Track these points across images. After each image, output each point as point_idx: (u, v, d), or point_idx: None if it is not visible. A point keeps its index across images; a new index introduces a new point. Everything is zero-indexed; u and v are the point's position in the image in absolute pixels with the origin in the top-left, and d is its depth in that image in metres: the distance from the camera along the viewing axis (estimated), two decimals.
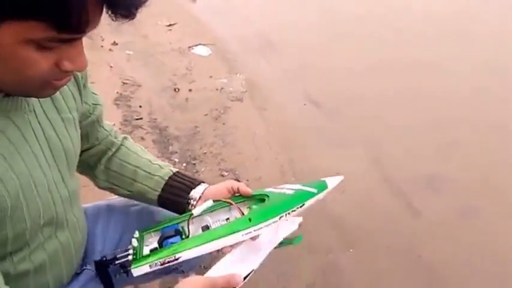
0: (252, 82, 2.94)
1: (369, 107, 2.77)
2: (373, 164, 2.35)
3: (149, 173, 0.99)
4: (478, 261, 1.85)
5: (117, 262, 0.85)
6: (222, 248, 0.85)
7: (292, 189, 0.95)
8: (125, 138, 1.06)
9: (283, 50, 3.34)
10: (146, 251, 0.84)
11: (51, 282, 0.84)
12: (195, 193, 0.97)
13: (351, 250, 1.88)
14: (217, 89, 2.86)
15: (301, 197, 0.94)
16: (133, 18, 0.59)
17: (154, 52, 3.23)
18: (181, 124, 2.52)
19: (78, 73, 0.84)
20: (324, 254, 1.85)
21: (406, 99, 2.84)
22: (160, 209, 1.08)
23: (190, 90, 2.83)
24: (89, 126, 0.95)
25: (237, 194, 0.97)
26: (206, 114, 2.62)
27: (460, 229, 2.00)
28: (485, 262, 1.85)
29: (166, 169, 1.01)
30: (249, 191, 0.96)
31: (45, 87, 0.64)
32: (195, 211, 0.88)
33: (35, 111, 0.74)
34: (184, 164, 2.23)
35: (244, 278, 0.83)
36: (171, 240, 0.85)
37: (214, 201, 0.90)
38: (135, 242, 0.85)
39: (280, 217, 0.89)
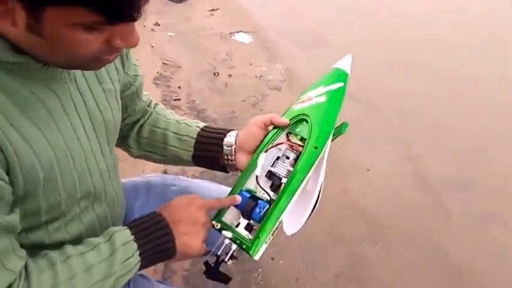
0: (291, 72, 2.91)
1: (406, 104, 2.72)
2: (405, 161, 2.32)
3: (177, 133, 0.97)
4: (504, 266, 1.83)
5: (226, 260, 0.82)
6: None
7: (321, 94, 0.91)
8: (156, 104, 1.05)
9: (325, 43, 3.30)
10: (243, 231, 0.82)
11: None
12: (228, 144, 0.93)
13: (380, 244, 1.87)
14: (256, 77, 2.85)
15: (337, 97, 0.91)
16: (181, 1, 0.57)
17: (196, 35, 3.24)
18: (219, 108, 2.53)
19: None
20: (353, 246, 1.85)
21: (444, 100, 2.79)
22: (200, 186, 1.10)
23: (229, 75, 2.83)
24: (129, 98, 0.94)
25: (270, 127, 0.92)
26: (244, 100, 2.61)
27: (489, 232, 1.97)
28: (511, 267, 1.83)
29: (194, 126, 0.98)
30: (284, 120, 0.90)
31: (94, 63, 0.63)
32: (257, 171, 0.85)
33: (75, 81, 0.72)
34: None
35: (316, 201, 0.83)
36: (260, 209, 0.83)
37: (265, 151, 0.87)
38: (228, 234, 0.82)
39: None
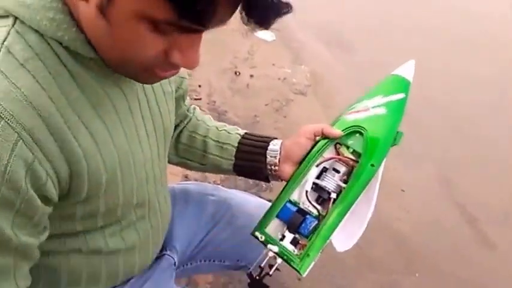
0: (317, 76, 2.76)
1: (447, 118, 2.56)
2: (444, 184, 2.18)
3: (218, 141, 0.94)
4: None
5: (271, 273, 0.79)
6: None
7: (380, 105, 0.84)
8: (195, 108, 1.01)
9: (353, 46, 3.14)
10: (289, 246, 0.79)
11: (138, 263, 0.82)
12: (272, 154, 0.89)
13: (417, 275, 1.74)
14: (279, 79, 2.70)
15: (398, 110, 0.85)
16: (267, 28, 0.53)
17: (216, 31, 3.05)
18: (240, 111, 2.38)
19: None
20: (386, 274, 1.72)
21: (491, 118, 2.62)
22: (238, 197, 1.07)
23: (251, 76, 2.68)
24: (176, 101, 0.87)
25: (318, 138, 0.86)
26: (267, 104, 2.46)
27: None
28: None
29: (234, 134, 0.94)
30: (338, 132, 0.85)
31: (146, 73, 0.59)
32: (308, 186, 0.82)
33: None
34: None
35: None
36: (308, 224, 0.80)
37: (316, 165, 0.83)
38: (275, 248, 0.78)
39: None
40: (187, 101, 0.98)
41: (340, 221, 0.78)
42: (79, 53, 0.57)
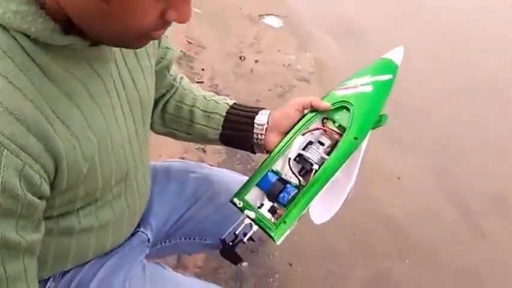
0: (322, 64, 2.75)
1: (446, 110, 2.54)
2: (440, 173, 2.17)
3: (206, 111, 0.92)
4: None
5: (244, 240, 0.78)
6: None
7: (368, 83, 0.87)
8: (182, 78, 0.99)
9: (360, 36, 3.11)
10: (267, 214, 0.79)
11: (110, 241, 0.81)
12: (260, 123, 0.88)
13: (407, 261, 1.74)
14: (284, 65, 2.70)
15: (383, 89, 0.88)
16: None
17: (224, 15, 3.07)
18: (243, 95, 2.38)
19: None
20: (378, 260, 1.72)
21: (487, 111, 2.60)
22: (221, 174, 1.06)
23: (256, 61, 2.67)
24: (159, 72, 0.87)
25: (306, 111, 0.87)
26: (270, 90, 2.46)
27: None
28: None
29: (223, 103, 0.93)
30: (326, 105, 0.86)
31: (142, 39, 0.59)
32: (292, 154, 0.82)
33: (115, 59, 0.68)
34: None
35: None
36: (287, 193, 0.80)
37: (302, 134, 0.84)
38: (251, 214, 0.78)
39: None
40: (174, 70, 0.96)
41: (319, 190, 0.78)
42: (48, 43, 0.55)
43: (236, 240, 0.78)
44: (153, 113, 0.93)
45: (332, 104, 0.85)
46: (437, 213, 1.97)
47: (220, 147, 2.06)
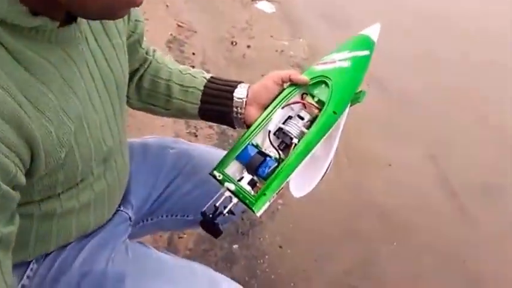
0: (315, 50, 2.69)
1: (437, 99, 2.52)
2: (429, 160, 2.15)
3: (182, 85, 0.91)
4: None
5: (224, 213, 0.78)
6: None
7: (345, 59, 0.89)
8: (155, 50, 0.97)
9: (353, 22, 3.05)
10: (246, 186, 0.79)
11: (92, 222, 0.80)
12: (239, 96, 0.88)
13: (395, 244, 1.75)
14: (276, 51, 2.64)
15: (360, 65, 0.89)
16: None
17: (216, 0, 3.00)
18: None
19: None
20: (366, 242, 1.74)
21: (476, 100, 2.57)
22: (200, 150, 1.05)
23: (248, 46, 2.62)
24: (130, 47, 0.85)
25: (286, 85, 0.88)
26: (262, 75, 2.39)
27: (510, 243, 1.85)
28: None
29: (200, 77, 0.92)
30: (305, 79, 0.86)
31: (126, 7, 0.59)
32: (271, 127, 0.83)
33: (87, 40, 0.67)
34: None
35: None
36: (267, 166, 0.80)
37: (282, 108, 0.85)
38: (231, 186, 0.78)
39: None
40: (145, 44, 0.94)
41: (299, 163, 0.79)
42: (16, 25, 0.53)
43: (216, 213, 0.78)
44: (128, 89, 0.91)
45: (311, 79, 0.86)
46: (427, 199, 1.97)
47: (212, 132, 2.04)
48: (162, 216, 1.01)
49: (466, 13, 3.41)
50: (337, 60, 0.88)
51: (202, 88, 0.90)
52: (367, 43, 0.92)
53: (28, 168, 0.57)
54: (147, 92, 0.94)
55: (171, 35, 2.53)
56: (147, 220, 1.01)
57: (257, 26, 2.81)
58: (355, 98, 0.88)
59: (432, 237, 1.81)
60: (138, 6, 0.58)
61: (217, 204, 0.79)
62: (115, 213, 0.89)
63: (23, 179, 0.56)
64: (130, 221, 0.91)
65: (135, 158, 0.96)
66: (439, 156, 2.18)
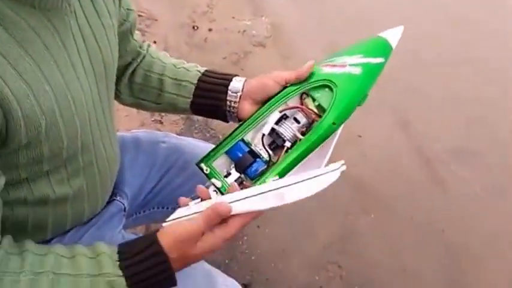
0: (278, 27, 2.69)
1: (403, 68, 2.52)
2: (400, 128, 2.18)
3: (176, 79, 0.90)
4: (500, 244, 1.76)
5: None
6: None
7: (357, 64, 0.81)
8: (149, 45, 0.97)
9: None
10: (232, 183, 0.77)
11: (87, 209, 0.80)
12: (234, 90, 0.85)
13: (372, 216, 1.77)
14: (239, 32, 2.64)
15: (372, 74, 0.81)
16: None
17: None
18: None
19: None
20: (343, 216, 1.76)
21: (444, 67, 2.58)
22: (190, 144, 1.05)
23: (210, 29, 2.61)
24: (121, 35, 0.84)
25: (288, 85, 0.82)
26: (225, 58, 2.42)
27: (487, 208, 1.88)
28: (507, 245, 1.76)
29: (194, 71, 0.90)
30: (305, 75, 0.80)
31: None
32: (266, 130, 0.79)
33: (75, 14, 0.65)
34: None
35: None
36: (256, 167, 0.78)
37: (279, 111, 0.80)
38: (218, 183, 0.77)
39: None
40: (138, 36, 0.93)
41: (289, 171, 0.76)
42: None
43: None
44: (120, 83, 0.92)
45: (315, 81, 0.80)
46: (400, 168, 1.99)
47: (177, 118, 2.05)
48: (153, 208, 1.03)
49: None
50: (348, 64, 0.81)
51: (195, 82, 0.89)
52: (383, 49, 0.85)
53: (5, 134, 0.56)
54: (139, 86, 0.93)
55: None
56: (139, 213, 1.03)
57: (218, 8, 2.79)
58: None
59: (409, 207, 1.82)
60: None
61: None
62: (110, 202, 0.89)
63: None
64: (125, 211, 0.93)
65: (128, 151, 0.98)
66: (409, 121, 2.20)
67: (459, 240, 1.74)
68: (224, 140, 0.81)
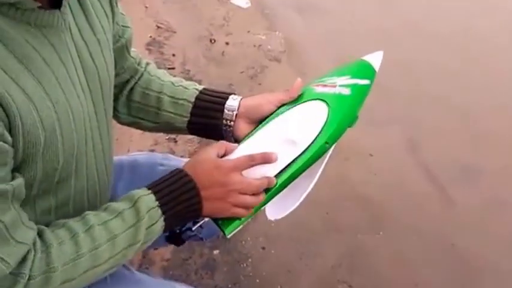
0: (291, 42, 2.77)
1: (413, 83, 2.57)
2: (408, 146, 2.21)
3: (173, 97, 0.89)
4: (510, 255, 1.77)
5: (193, 228, 0.80)
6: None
7: (347, 85, 0.84)
8: (148, 63, 0.96)
9: (328, 13, 3.12)
10: None
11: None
12: (230, 108, 0.86)
13: (381, 233, 1.77)
14: (254, 46, 2.71)
15: (360, 95, 0.85)
16: None
17: None
18: (215, 80, 2.40)
19: None
20: (352, 235, 1.75)
21: (454, 78, 2.63)
22: None
23: (227, 43, 2.68)
24: (117, 52, 0.84)
25: (281, 105, 0.86)
26: (242, 72, 2.49)
27: (495, 221, 1.90)
28: None
29: (191, 89, 0.90)
30: (296, 94, 0.85)
31: None
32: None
33: (70, 31, 0.65)
34: None
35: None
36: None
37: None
38: None
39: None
40: (136, 53, 0.92)
41: (280, 191, 0.77)
42: None
43: (184, 228, 0.80)
44: (118, 102, 0.91)
45: (308, 100, 0.83)
46: (410, 187, 2.00)
47: (192, 137, 2.01)
48: None
49: None
50: (338, 85, 0.84)
51: (193, 100, 0.88)
52: (368, 72, 0.88)
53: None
54: (137, 105, 0.92)
55: (151, 37, 2.59)
56: None
57: (234, 22, 2.87)
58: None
59: (417, 223, 1.82)
60: None
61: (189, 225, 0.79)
62: None
63: (10, 139, 0.55)
64: None
65: (125, 175, 0.96)
66: (418, 140, 2.22)
67: (469, 253, 1.75)
68: None
